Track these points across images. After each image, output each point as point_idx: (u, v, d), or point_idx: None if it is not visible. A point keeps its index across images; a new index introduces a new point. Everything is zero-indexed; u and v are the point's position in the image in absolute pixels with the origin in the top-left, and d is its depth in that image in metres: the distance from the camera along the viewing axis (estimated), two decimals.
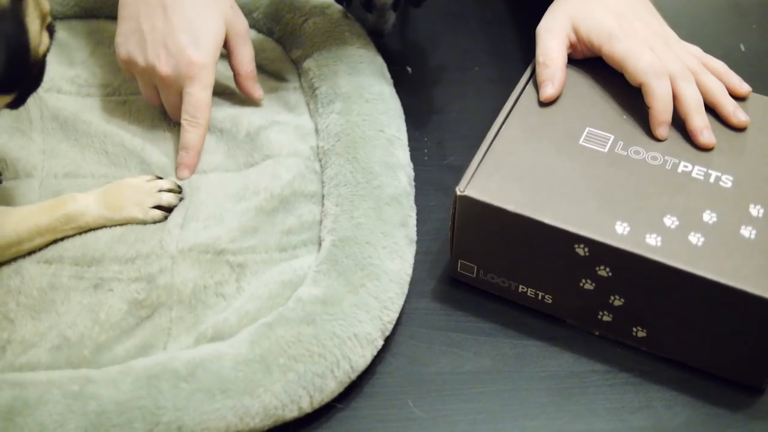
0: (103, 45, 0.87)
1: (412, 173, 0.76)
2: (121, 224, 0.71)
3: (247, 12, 0.89)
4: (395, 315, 0.65)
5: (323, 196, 0.73)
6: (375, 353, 0.64)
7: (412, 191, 0.74)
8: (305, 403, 0.60)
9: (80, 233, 0.71)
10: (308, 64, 0.84)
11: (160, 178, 0.75)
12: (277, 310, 0.64)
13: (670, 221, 0.61)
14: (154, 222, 0.72)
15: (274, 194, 0.73)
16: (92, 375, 0.59)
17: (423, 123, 0.84)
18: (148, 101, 0.79)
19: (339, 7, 0.87)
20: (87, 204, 0.70)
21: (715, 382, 0.64)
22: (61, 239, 0.70)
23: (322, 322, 0.62)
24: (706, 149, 0.67)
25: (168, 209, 0.73)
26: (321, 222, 0.72)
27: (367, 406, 0.63)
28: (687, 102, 0.67)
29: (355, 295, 0.64)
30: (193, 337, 0.64)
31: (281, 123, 0.80)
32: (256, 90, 0.82)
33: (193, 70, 0.74)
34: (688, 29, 0.78)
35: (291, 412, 0.60)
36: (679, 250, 0.59)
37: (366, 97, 0.79)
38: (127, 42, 0.75)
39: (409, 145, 0.78)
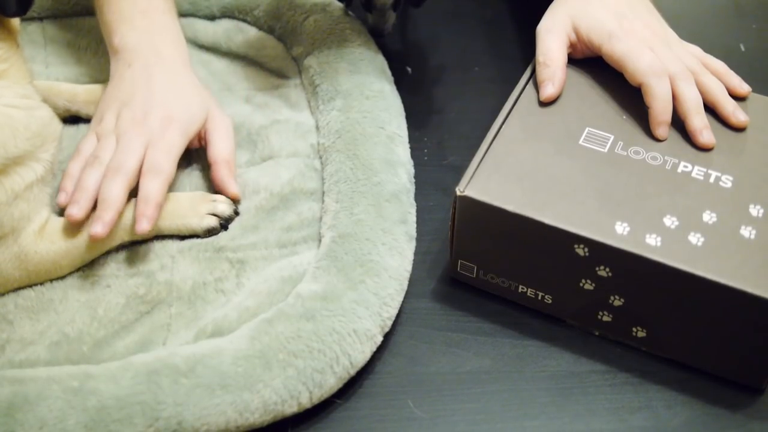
0: None
1: (412, 170, 0.76)
2: None
3: (249, 9, 0.89)
4: (395, 311, 0.65)
5: (323, 193, 0.73)
6: (374, 349, 0.64)
7: (412, 188, 0.74)
8: (305, 398, 0.60)
9: None
10: (309, 61, 0.84)
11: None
12: (276, 305, 0.64)
13: (670, 221, 0.61)
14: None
15: (274, 193, 0.73)
16: (92, 371, 0.59)
17: (423, 123, 0.84)
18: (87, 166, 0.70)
19: (340, 4, 0.88)
20: None
21: (715, 382, 0.64)
22: None
23: (322, 318, 0.62)
24: (705, 149, 0.67)
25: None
26: (321, 219, 0.72)
27: (367, 405, 0.63)
28: (687, 102, 0.67)
29: (355, 291, 0.64)
30: (193, 332, 0.64)
31: (282, 121, 0.80)
32: (231, 184, 0.73)
33: (165, 122, 0.71)
34: (688, 29, 0.78)
35: (290, 408, 0.59)
36: (679, 250, 0.59)
37: (366, 94, 0.79)
38: (107, 105, 0.74)
39: (409, 145, 0.78)
